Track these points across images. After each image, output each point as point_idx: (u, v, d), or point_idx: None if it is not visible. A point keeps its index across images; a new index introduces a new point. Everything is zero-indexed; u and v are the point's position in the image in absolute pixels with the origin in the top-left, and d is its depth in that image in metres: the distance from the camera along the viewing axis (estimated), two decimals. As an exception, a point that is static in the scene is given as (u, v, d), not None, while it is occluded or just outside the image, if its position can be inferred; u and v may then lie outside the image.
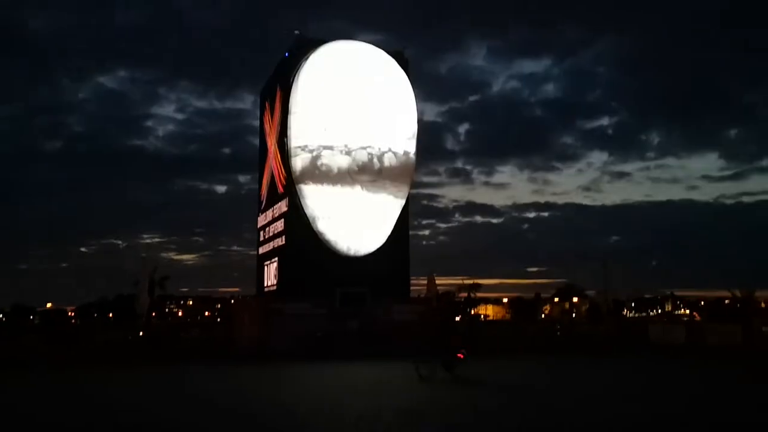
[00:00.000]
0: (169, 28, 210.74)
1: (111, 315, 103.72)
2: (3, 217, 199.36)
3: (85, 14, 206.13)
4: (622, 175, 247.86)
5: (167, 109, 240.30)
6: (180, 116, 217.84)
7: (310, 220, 32.66)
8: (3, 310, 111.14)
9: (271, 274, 35.77)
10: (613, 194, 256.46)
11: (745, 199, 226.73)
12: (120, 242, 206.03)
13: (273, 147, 35.71)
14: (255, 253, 39.95)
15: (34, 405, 14.96)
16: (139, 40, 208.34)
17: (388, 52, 34.77)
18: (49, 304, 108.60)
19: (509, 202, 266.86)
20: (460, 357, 19.32)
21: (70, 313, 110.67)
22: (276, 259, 34.82)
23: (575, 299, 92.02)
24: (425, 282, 38.63)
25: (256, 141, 41.90)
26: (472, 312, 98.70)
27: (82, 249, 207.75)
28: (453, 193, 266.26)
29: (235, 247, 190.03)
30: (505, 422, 12.16)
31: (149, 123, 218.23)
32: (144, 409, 14.02)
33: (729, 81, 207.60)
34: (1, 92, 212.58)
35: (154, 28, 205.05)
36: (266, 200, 37.57)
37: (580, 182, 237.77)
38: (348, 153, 32.86)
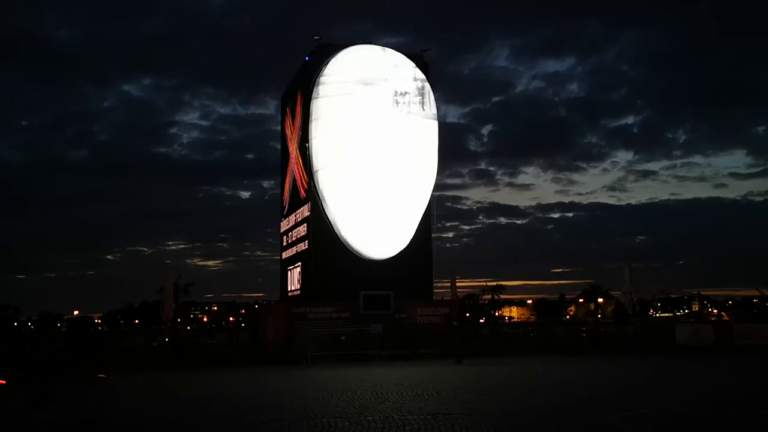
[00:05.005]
0: (193, 35, 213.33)
1: (137, 322, 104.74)
2: (30, 226, 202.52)
3: (108, 23, 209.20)
4: (647, 173, 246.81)
5: (191, 116, 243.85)
6: (204, 123, 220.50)
7: (332, 225, 32.73)
8: (31, 318, 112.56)
9: (294, 279, 35.87)
10: (638, 193, 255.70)
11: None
12: (145, 249, 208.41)
13: (294, 152, 35.84)
14: (279, 258, 40.06)
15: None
16: (163, 48, 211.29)
17: (408, 55, 34.75)
18: (75, 312, 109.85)
19: (533, 203, 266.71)
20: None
21: (96, 320, 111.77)
22: (299, 263, 34.89)
23: (600, 300, 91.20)
24: (449, 284, 38.57)
25: (279, 146, 42.03)
26: (497, 314, 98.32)
27: (108, 257, 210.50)
28: (477, 195, 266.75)
29: (259, 253, 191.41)
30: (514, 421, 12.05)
31: (174, 130, 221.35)
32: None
33: (756, 77, 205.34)
34: (26, 102, 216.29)
35: (178, 35, 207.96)
36: (289, 205, 37.69)
37: (605, 182, 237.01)
38: (368, 157, 32.89)
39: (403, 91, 33.65)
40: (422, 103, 33.98)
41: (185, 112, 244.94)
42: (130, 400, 16.97)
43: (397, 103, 33.42)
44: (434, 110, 34.51)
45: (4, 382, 17.14)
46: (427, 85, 34.46)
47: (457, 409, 13.57)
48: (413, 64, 34.53)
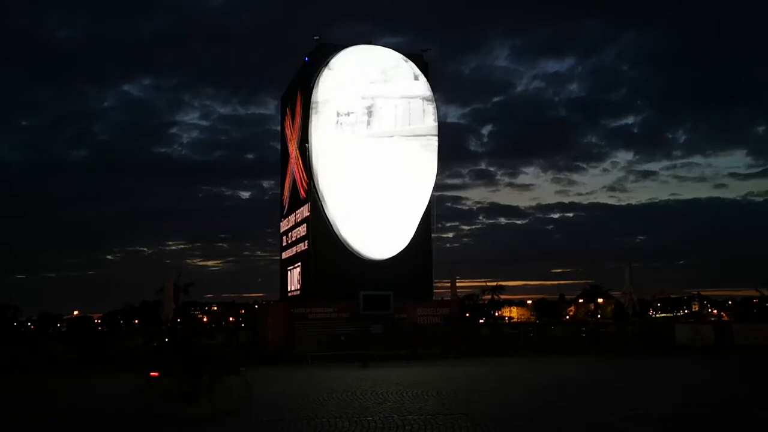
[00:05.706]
0: (193, 35, 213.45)
1: (137, 322, 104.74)
2: (30, 226, 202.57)
3: (108, 23, 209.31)
4: (647, 174, 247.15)
5: (191, 116, 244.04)
6: (204, 123, 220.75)
7: (332, 225, 32.71)
8: (31, 318, 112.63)
9: (294, 279, 35.85)
10: (638, 194, 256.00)
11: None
12: (145, 249, 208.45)
13: (294, 152, 35.82)
14: (278, 258, 40.04)
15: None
16: (163, 48, 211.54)
17: (408, 55, 34.68)
18: (75, 312, 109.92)
19: (533, 203, 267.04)
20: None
21: (96, 320, 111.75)
22: (299, 263, 34.88)
23: (600, 300, 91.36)
24: (449, 284, 38.57)
25: (279, 146, 41.98)
26: (497, 314, 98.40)
27: (108, 257, 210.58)
28: (477, 195, 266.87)
29: (259, 253, 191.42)
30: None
31: (174, 130, 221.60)
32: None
33: (756, 77, 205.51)
34: (26, 102, 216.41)
35: (178, 35, 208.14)
36: (288, 205, 37.68)
37: (605, 182, 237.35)
38: (368, 157, 32.87)
39: (347, 112, 33.23)
40: (369, 123, 33.35)
41: (185, 112, 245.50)
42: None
43: (341, 124, 33.14)
44: (433, 108, 34.37)
45: (156, 374, 17.03)
46: (380, 102, 33.24)
47: (457, 409, 13.56)
48: (412, 63, 34.32)
